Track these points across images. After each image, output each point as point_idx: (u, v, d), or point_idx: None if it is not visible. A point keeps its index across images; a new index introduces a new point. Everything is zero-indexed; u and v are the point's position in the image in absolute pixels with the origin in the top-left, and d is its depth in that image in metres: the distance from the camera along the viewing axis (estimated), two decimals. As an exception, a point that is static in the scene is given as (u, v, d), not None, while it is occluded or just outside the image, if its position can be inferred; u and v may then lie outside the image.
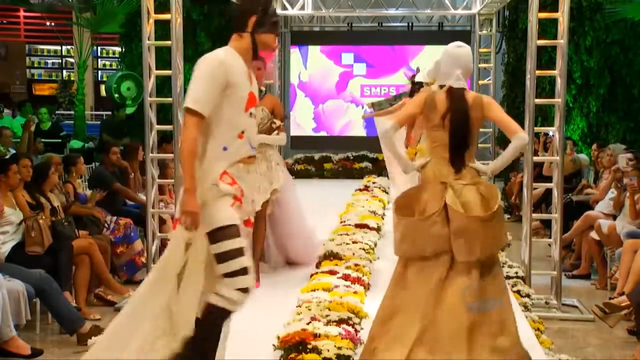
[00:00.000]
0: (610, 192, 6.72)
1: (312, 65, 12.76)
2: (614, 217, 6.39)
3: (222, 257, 3.13)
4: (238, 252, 3.15)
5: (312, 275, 5.18)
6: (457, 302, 3.43)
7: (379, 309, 3.64)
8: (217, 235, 3.14)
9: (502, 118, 3.59)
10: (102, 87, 16.21)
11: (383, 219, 7.61)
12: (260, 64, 5.22)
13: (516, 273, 5.83)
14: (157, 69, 5.99)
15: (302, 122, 12.79)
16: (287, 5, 10.74)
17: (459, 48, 3.66)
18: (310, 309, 4.25)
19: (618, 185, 6.44)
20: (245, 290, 3.16)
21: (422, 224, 3.46)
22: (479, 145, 9.74)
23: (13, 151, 8.06)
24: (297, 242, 5.85)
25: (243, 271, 3.16)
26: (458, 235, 3.41)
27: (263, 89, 5.35)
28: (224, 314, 3.19)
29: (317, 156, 12.26)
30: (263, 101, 5.31)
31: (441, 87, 3.70)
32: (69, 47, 17.12)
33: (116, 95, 11.48)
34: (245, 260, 3.18)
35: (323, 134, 12.73)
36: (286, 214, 5.78)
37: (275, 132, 5.33)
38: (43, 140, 9.60)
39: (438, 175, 3.53)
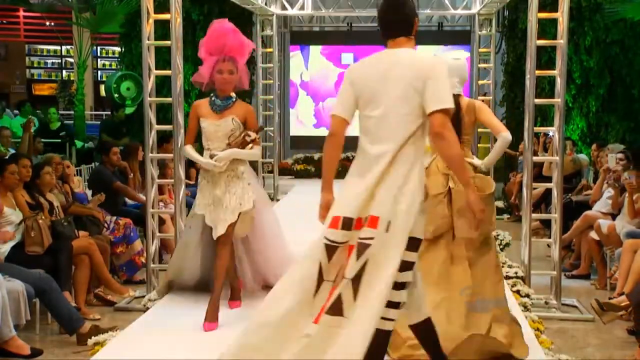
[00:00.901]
0: (607, 191, 6.72)
1: (312, 66, 13.23)
2: (613, 216, 6.38)
3: (404, 267, 3.04)
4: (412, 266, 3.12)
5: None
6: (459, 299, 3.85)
7: None
8: (415, 243, 3.07)
9: (490, 120, 4.20)
10: (102, 87, 16.19)
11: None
12: (232, 67, 4.82)
13: (516, 273, 5.84)
14: (156, 69, 5.98)
15: (304, 119, 13.43)
16: (287, 5, 10.74)
17: (455, 60, 4.22)
18: (309, 309, 4.25)
19: (615, 185, 6.43)
20: (401, 305, 3.11)
21: (430, 202, 3.76)
22: (480, 145, 9.81)
23: (13, 151, 8.06)
24: (275, 266, 5.20)
25: (407, 285, 3.12)
26: (461, 214, 3.87)
27: (233, 95, 4.89)
28: (388, 335, 3.13)
29: (317, 156, 12.27)
30: (234, 109, 4.83)
31: None
32: (68, 47, 17.10)
33: (116, 95, 11.45)
34: None
35: (323, 129, 12.83)
36: (262, 239, 5.26)
37: (250, 145, 4.78)
38: (44, 140, 9.58)
39: (441, 168, 4.03)
